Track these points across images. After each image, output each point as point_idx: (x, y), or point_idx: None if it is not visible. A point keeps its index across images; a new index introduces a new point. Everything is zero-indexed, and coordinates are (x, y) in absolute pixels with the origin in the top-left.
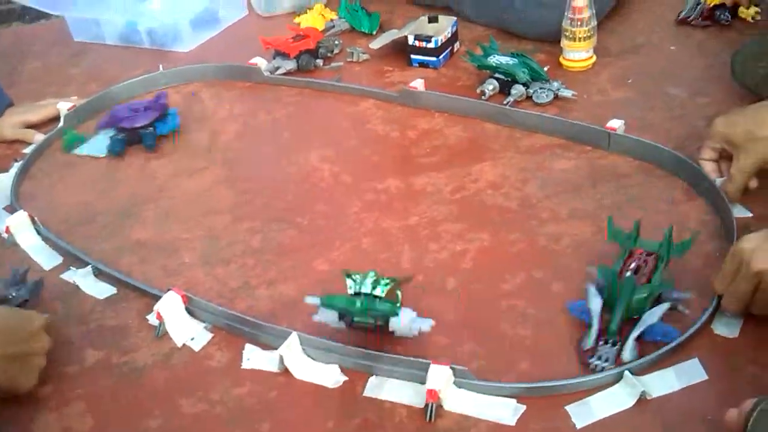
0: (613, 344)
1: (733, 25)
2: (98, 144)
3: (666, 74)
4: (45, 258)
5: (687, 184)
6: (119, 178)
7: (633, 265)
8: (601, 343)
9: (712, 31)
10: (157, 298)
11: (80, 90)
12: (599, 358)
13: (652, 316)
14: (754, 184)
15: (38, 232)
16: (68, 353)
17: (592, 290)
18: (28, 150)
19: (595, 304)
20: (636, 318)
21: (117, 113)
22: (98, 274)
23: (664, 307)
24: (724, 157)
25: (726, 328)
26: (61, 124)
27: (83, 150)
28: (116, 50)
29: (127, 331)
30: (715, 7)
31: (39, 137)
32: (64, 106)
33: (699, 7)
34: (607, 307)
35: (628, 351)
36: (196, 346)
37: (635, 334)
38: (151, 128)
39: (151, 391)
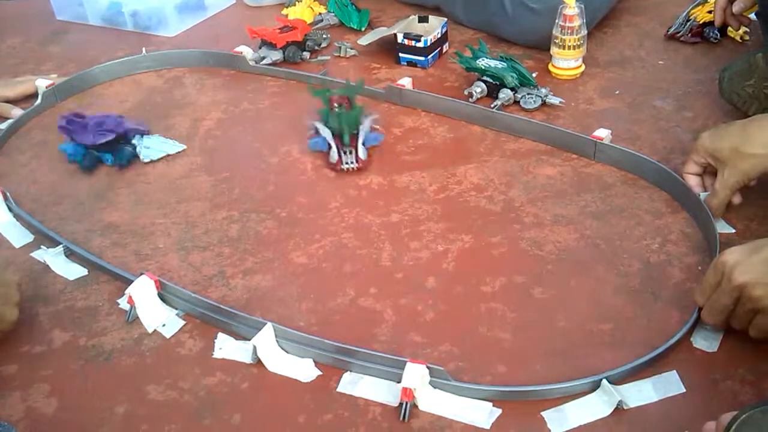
0: (351, 152)
1: (722, 43)
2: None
3: (653, 87)
4: (16, 235)
5: (671, 196)
6: None
7: (336, 105)
8: (342, 154)
9: (700, 48)
10: (128, 281)
11: (59, 69)
12: (346, 163)
13: (365, 127)
14: (737, 200)
15: (9, 209)
16: (36, 333)
17: (321, 126)
18: (3, 125)
19: (326, 132)
20: (355, 133)
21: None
22: (69, 254)
23: (369, 119)
24: (709, 171)
25: (705, 342)
26: (38, 101)
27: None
28: (99, 31)
29: (96, 314)
30: (705, 24)
31: (16, 112)
32: (42, 83)
33: (688, 23)
34: (334, 135)
35: (361, 151)
36: (167, 333)
37: (361, 140)
38: (129, 146)
39: (118, 376)
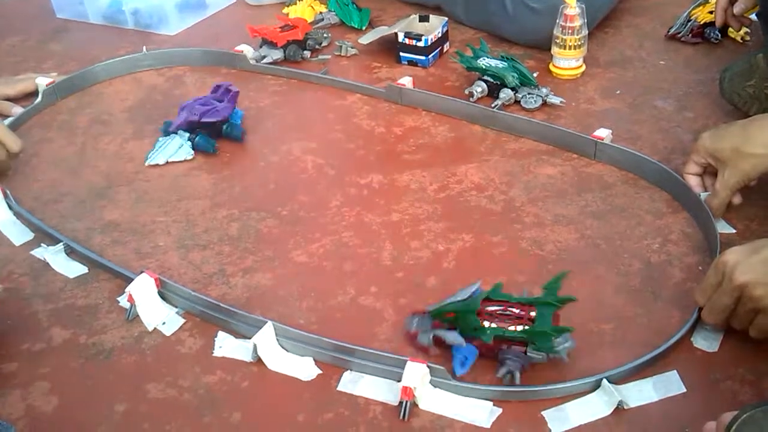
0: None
1: (723, 44)
2: (171, 150)
3: (654, 87)
4: (16, 233)
5: (671, 196)
6: (94, 158)
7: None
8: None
9: (701, 48)
10: (129, 279)
11: (59, 67)
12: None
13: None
14: (737, 200)
15: (10, 207)
16: (35, 331)
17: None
18: (4, 123)
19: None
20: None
21: (192, 111)
22: (70, 252)
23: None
24: (709, 171)
25: (705, 342)
26: (39, 99)
27: (158, 158)
28: (99, 29)
29: (96, 312)
30: (706, 24)
31: (17, 110)
32: (42, 81)
33: (689, 24)
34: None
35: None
36: (167, 331)
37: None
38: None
39: (118, 374)
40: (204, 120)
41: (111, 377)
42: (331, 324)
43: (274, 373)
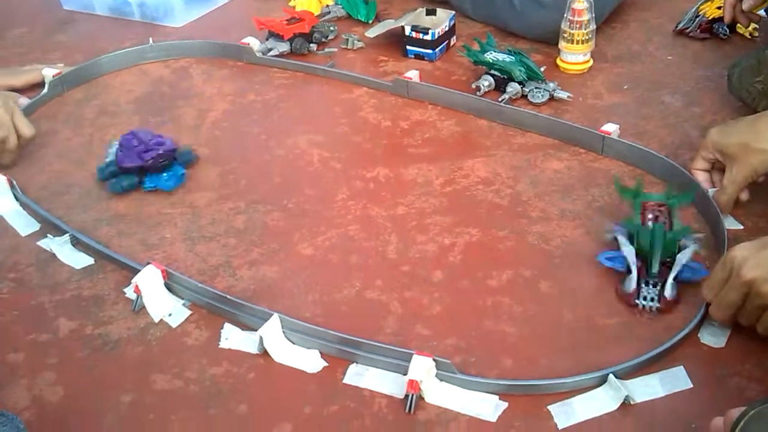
0: (654, 285)
1: (731, 40)
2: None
3: (662, 83)
4: (22, 224)
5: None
6: (101, 149)
7: (651, 216)
8: (643, 285)
9: (709, 44)
10: (135, 271)
11: (66, 58)
12: (645, 299)
13: (684, 256)
14: (745, 196)
15: (16, 198)
16: (42, 322)
17: (624, 240)
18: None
19: (629, 251)
20: (668, 261)
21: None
22: (76, 243)
23: (692, 248)
24: (717, 167)
25: (713, 338)
26: (45, 90)
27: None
28: (105, 21)
29: (103, 303)
30: (714, 20)
31: (23, 101)
32: (49, 72)
33: (697, 19)
34: (639, 255)
35: (669, 289)
36: (174, 323)
37: (674, 273)
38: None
39: (124, 365)
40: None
41: (117, 368)
42: (336, 317)
43: (280, 366)
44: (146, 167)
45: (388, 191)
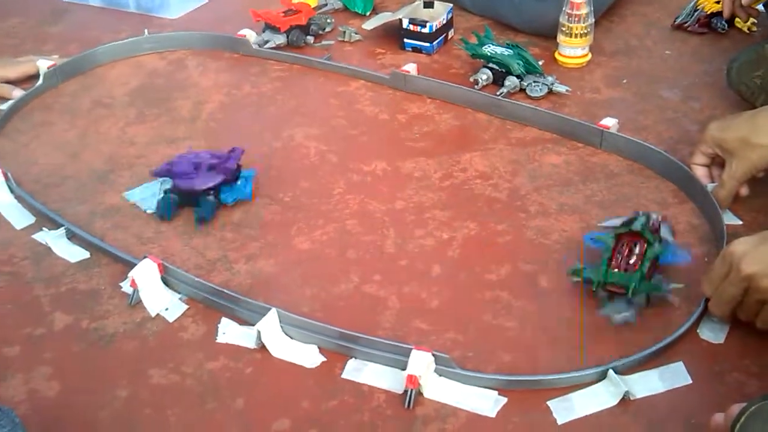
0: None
1: (730, 34)
2: (148, 194)
3: (660, 77)
4: (17, 217)
5: (677, 187)
6: (96, 141)
7: (624, 252)
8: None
9: (707, 38)
10: (131, 264)
11: (60, 49)
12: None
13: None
14: (744, 191)
15: (11, 190)
16: (37, 315)
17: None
18: (4, 106)
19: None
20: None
21: (176, 166)
22: (71, 236)
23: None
24: (716, 162)
25: (712, 334)
26: (40, 81)
27: (134, 196)
28: (100, 12)
29: (98, 297)
30: (713, 15)
31: (17, 93)
32: (43, 64)
33: (696, 13)
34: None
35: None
36: (170, 317)
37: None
38: (211, 195)
39: (120, 359)
40: (177, 185)
41: (113, 363)
42: (334, 311)
43: (277, 360)
44: (228, 180)
45: (386, 185)
